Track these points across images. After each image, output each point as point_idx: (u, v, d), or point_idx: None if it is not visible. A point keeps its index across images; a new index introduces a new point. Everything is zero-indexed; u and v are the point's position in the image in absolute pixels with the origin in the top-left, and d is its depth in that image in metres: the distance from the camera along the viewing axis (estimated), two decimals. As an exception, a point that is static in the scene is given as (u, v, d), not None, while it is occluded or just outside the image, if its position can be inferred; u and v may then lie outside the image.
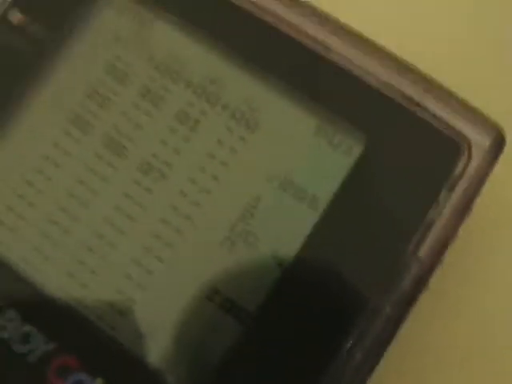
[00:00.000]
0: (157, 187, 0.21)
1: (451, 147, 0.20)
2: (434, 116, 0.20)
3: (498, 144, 0.20)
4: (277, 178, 0.21)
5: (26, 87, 0.21)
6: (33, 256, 0.21)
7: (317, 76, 0.21)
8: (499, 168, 0.21)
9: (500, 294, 0.23)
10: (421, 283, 0.20)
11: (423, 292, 0.20)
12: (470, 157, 0.20)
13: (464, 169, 0.20)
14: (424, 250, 0.20)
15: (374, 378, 0.20)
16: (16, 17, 0.22)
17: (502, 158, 0.21)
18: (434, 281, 0.21)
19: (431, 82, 0.21)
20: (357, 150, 0.20)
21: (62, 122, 0.21)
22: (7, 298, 0.20)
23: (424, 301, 0.21)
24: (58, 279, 0.20)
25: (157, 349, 0.20)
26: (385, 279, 0.20)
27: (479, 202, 0.21)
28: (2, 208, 0.21)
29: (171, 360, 0.20)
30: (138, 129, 0.21)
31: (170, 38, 0.22)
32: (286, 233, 0.20)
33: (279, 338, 0.20)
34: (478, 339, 0.22)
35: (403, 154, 0.20)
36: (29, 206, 0.21)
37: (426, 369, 0.22)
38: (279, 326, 0.20)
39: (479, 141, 0.20)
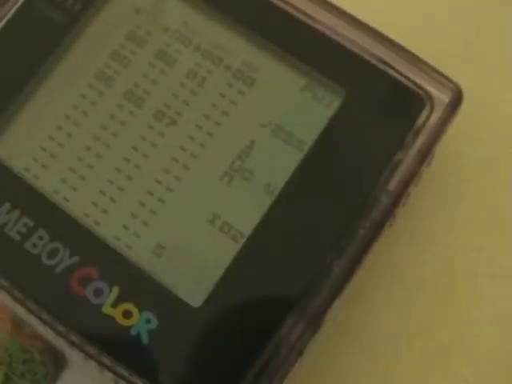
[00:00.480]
0: (168, 131, 0.25)
1: (416, 101, 0.24)
2: (403, 75, 0.25)
3: (456, 99, 0.24)
4: (269, 125, 0.25)
5: (57, 49, 0.26)
6: (62, 185, 0.24)
7: (305, 42, 0.25)
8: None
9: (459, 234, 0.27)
10: (390, 210, 0.24)
11: (391, 218, 0.24)
12: (432, 109, 0.24)
13: (427, 119, 0.24)
14: (392, 184, 0.24)
15: (347, 291, 0.23)
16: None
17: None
18: (401, 215, 0.25)
19: (401, 48, 0.25)
20: (336, 102, 0.25)
21: (89, 77, 0.25)
22: (37, 219, 0.24)
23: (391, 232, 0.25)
24: (82, 205, 0.24)
25: (165, 264, 0.24)
26: (360, 206, 0.23)
27: (440, 154, 0.26)
28: (36, 143, 0.25)
29: (177, 274, 0.24)
30: (153, 84, 0.25)
31: (181, 11, 0.26)
32: (276, 169, 0.24)
33: (269, 256, 0.23)
34: (441, 268, 0.26)
35: (376, 106, 0.24)
36: (58, 145, 0.25)
37: (392, 286, 0.26)
38: (269, 245, 0.23)
39: (440, 96, 0.24)
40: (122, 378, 0.23)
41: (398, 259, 0.27)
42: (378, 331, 0.26)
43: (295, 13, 0.25)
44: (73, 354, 0.24)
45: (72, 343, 0.23)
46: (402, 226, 0.27)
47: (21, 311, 0.24)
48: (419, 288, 0.26)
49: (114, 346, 0.23)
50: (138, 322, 0.23)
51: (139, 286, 0.23)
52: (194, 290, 0.23)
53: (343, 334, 0.26)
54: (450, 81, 0.25)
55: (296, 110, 0.25)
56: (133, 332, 0.23)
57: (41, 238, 0.24)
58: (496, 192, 0.27)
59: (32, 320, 0.24)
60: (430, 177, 0.27)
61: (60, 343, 0.24)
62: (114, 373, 0.23)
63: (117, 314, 0.23)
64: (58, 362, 0.24)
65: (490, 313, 0.26)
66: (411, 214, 0.27)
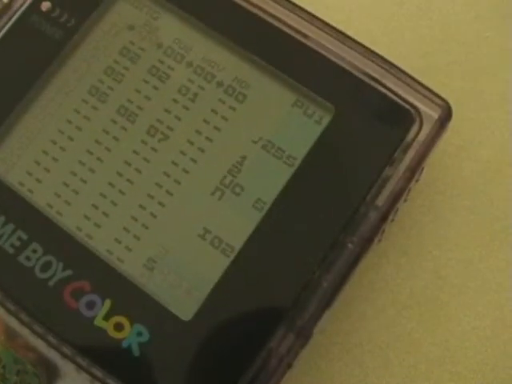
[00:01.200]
0: (161, 146, 0.26)
1: (405, 117, 0.25)
2: (392, 91, 0.25)
3: (445, 116, 0.25)
4: (260, 140, 0.25)
5: (52, 64, 0.26)
6: (56, 199, 0.25)
7: (295, 58, 0.26)
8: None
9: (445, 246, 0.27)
10: (378, 226, 0.24)
11: (379, 233, 0.24)
12: (421, 125, 0.25)
13: (416, 135, 0.25)
14: (381, 200, 0.24)
15: (336, 304, 0.24)
16: (45, 4, 0.27)
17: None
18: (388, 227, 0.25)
19: (391, 65, 0.25)
20: (326, 119, 0.25)
21: (82, 93, 0.26)
22: (31, 232, 0.25)
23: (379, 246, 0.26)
24: (75, 219, 0.25)
25: (157, 278, 0.24)
26: (348, 221, 0.24)
27: (429, 169, 0.26)
28: (30, 157, 0.26)
29: (169, 287, 0.24)
30: (146, 99, 0.26)
31: (174, 28, 0.27)
32: (266, 184, 0.25)
33: (259, 270, 0.24)
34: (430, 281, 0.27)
35: (365, 122, 0.25)
36: (52, 159, 0.26)
37: (382, 299, 0.27)
38: (259, 259, 0.24)
39: (429, 113, 0.25)
40: (114, 389, 0.24)
41: (388, 273, 0.27)
42: (367, 344, 0.27)
43: (286, 29, 0.26)
44: (65, 366, 0.24)
45: (64, 355, 0.24)
46: (391, 239, 0.27)
47: (14, 323, 0.25)
48: (408, 301, 0.27)
49: (105, 358, 0.24)
50: (130, 334, 0.24)
51: (131, 299, 0.24)
52: (184, 304, 0.24)
53: (332, 347, 0.27)
54: (439, 97, 0.25)
55: (286, 125, 0.25)
56: (124, 344, 0.24)
57: (34, 251, 0.25)
58: (484, 206, 0.27)
59: (25, 331, 0.25)
60: (420, 191, 0.27)
61: (52, 355, 0.24)
62: (106, 384, 0.24)
63: (109, 326, 0.24)
64: (51, 374, 0.25)
65: (478, 326, 0.27)
66: (401, 228, 0.28)
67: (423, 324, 0.27)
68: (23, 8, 0.27)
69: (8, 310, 0.24)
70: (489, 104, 0.28)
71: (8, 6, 0.27)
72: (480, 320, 0.27)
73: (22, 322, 0.24)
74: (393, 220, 0.25)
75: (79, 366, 0.24)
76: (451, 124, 0.25)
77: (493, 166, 0.28)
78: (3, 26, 0.27)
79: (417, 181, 0.25)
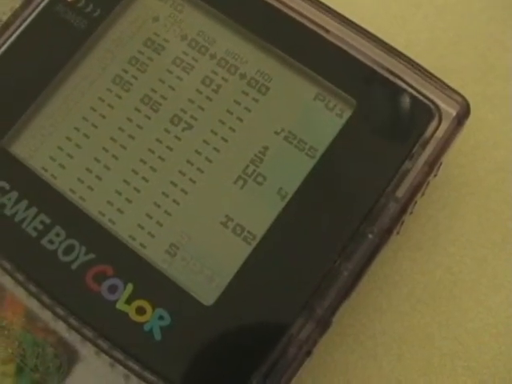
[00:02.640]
0: (184, 135, 0.27)
1: (425, 113, 0.26)
2: (413, 87, 0.27)
3: (463, 113, 0.27)
4: (282, 131, 0.27)
5: (76, 53, 0.28)
6: (79, 185, 0.26)
7: (318, 53, 0.27)
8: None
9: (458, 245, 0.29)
10: (398, 217, 0.26)
11: (398, 225, 0.26)
12: (439, 121, 0.26)
13: (434, 131, 0.26)
14: (400, 192, 0.26)
15: (355, 294, 0.25)
16: (71, -5, 0.28)
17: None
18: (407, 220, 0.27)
19: (412, 62, 0.27)
20: (347, 112, 0.27)
21: (107, 81, 0.27)
22: (54, 216, 0.26)
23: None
24: (98, 204, 0.26)
25: (179, 263, 0.25)
26: (369, 211, 0.25)
27: (447, 167, 0.28)
28: (54, 143, 0.27)
29: (191, 273, 0.25)
30: (170, 89, 0.27)
31: (198, 20, 0.28)
32: (288, 174, 0.26)
33: (280, 258, 0.25)
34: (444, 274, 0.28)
35: (386, 117, 0.26)
36: (76, 146, 0.27)
37: (397, 293, 0.28)
38: (280, 247, 0.25)
39: (448, 109, 0.27)
40: (134, 372, 0.25)
41: (403, 267, 0.29)
42: (381, 336, 0.28)
43: (310, 25, 0.27)
44: (85, 349, 0.25)
45: (85, 337, 0.25)
46: (407, 235, 0.29)
47: (34, 306, 0.26)
48: (423, 296, 0.28)
49: (126, 341, 0.25)
50: (152, 318, 0.25)
51: (153, 283, 0.25)
52: (206, 289, 0.25)
53: (347, 338, 0.28)
54: (458, 94, 0.27)
55: (308, 118, 0.27)
56: (146, 328, 0.25)
57: (57, 234, 0.26)
58: (498, 205, 0.29)
59: (45, 314, 0.26)
60: (436, 189, 0.29)
61: (72, 338, 0.25)
62: (126, 367, 0.25)
63: (130, 310, 0.25)
64: (70, 357, 0.26)
65: (490, 322, 0.28)
66: (417, 224, 0.29)
67: (437, 318, 0.28)
68: (48, -2, 0.28)
69: (30, 292, 0.25)
70: (503, 106, 0.30)
71: (33, -4, 0.29)
72: (493, 316, 0.28)
73: (44, 305, 0.25)
74: (411, 213, 0.27)
75: (100, 349, 0.25)
76: (468, 122, 0.27)
77: (506, 166, 0.29)
78: (29, 15, 0.28)
79: (435, 175, 0.27)
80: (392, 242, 0.26)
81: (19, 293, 0.26)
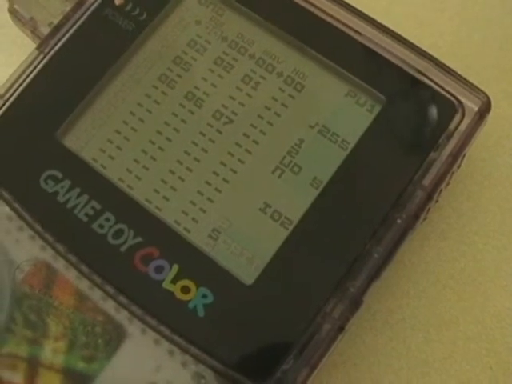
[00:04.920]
0: (225, 129, 0.30)
1: (449, 108, 0.30)
2: (438, 85, 0.30)
3: (485, 108, 0.30)
4: (316, 125, 0.30)
5: (124, 53, 0.31)
6: (127, 175, 0.30)
7: (349, 53, 0.31)
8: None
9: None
10: (424, 204, 0.29)
11: (425, 211, 0.29)
12: (463, 116, 0.30)
13: (458, 125, 0.30)
14: (427, 180, 0.29)
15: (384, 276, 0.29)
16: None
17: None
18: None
19: (436, 61, 0.30)
20: (377, 108, 0.30)
21: (153, 79, 0.31)
22: (104, 203, 0.29)
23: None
24: (145, 192, 0.29)
25: (221, 246, 0.29)
26: (398, 198, 0.29)
27: (471, 161, 0.31)
28: (104, 136, 0.30)
29: (232, 255, 0.29)
30: (212, 87, 0.31)
31: (237, 23, 0.32)
32: (322, 165, 0.29)
33: (314, 242, 0.29)
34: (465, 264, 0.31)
35: (412, 111, 0.30)
36: (124, 139, 0.30)
37: (424, 279, 0.31)
38: (315, 232, 0.29)
39: (470, 104, 0.30)
40: (179, 346, 0.28)
41: (430, 255, 0.32)
42: (409, 320, 0.31)
43: (343, 28, 0.31)
44: (131, 327, 0.28)
45: (133, 315, 0.28)
46: (434, 225, 0.32)
47: (84, 286, 0.29)
48: (449, 282, 0.31)
49: (172, 317, 0.28)
50: (195, 296, 0.28)
51: (197, 264, 0.28)
52: (246, 270, 0.28)
53: (376, 322, 0.31)
54: (480, 91, 0.30)
55: (341, 113, 0.30)
56: (190, 306, 0.28)
57: (107, 219, 0.29)
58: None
59: (95, 294, 0.29)
60: (460, 181, 0.32)
61: (120, 317, 0.29)
62: (171, 342, 0.28)
63: (176, 289, 0.28)
64: (118, 334, 0.29)
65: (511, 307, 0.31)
66: (442, 215, 0.32)
67: (461, 303, 0.31)
68: (98, 2, 0.32)
69: (81, 273, 0.29)
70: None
71: (82, 2, 0.32)
72: (514, 301, 0.31)
73: (95, 284, 0.29)
74: (437, 201, 0.30)
75: (147, 326, 0.28)
76: (489, 120, 0.30)
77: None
78: (79, 18, 0.32)
79: (459, 167, 0.30)
80: (418, 229, 0.29)
81: (70, 274, 0.29)
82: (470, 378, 0.31)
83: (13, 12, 0.34)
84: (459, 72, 0.30)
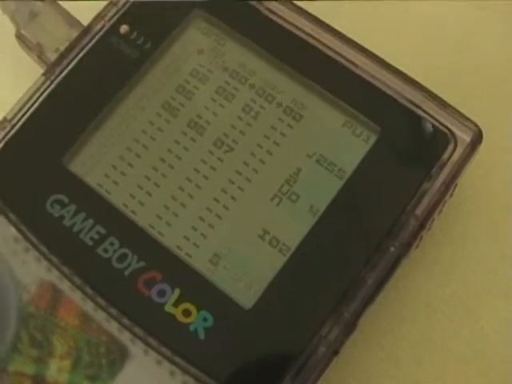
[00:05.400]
0: (226, 157, 0.32)
1: (442, 139, 0.31)
2: (432, 116, 0.31)
3: (477, 139, 0.31)
4: (314, 155, 0.31)
5: (129, 81, 0.33)
6: (131, 200, 0.31)
7: (346, 85, 0.32)
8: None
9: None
10: (417, 232, 0.30)
11: (417, 239, 0.30)
12: (455, 147, 0.31)
13: (450, 155, 0.31)
14: (420, 209, 0.30)
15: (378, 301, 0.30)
16: (123, 28, 0.33)
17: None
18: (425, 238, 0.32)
19: (430, 92, 0.32)
20: (372, 138, 0.31)
21: (156, 107, 0.32)
22: (109, 227, 0.31)
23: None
24: (148, 218, 0.31)
25: (221, 271, 0.30)
26: (391, 227, 0.30)
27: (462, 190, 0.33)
28: (108, 162, 0.32)
29: (232, 279, 0.30)
30: (213, 115, 0.32)
31: (239, 53, 0.33)
32: (319, 193, 0.31)
33: (311, 267, 0.30)
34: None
35: (407, 142, 0.31)
36: (128, 165, 0.32)
37: (416, 302, 0.33)
38: (312, 258, 0.30)
39: (462, 136, 0.31)
40: (180, 367, 0.29)
41: (422, 280, 0.33)
42: (400, 342, 0.33)
43: (341, 60, 0.32)
44: (134, 348, 0.30)
45: (136, 336, 0.30)
46: (426, 250, 0.33)
47: (89, 308, 0.30)
48: (440, 306, 0.33)
49: (173, 339, 0.29)
50: (196, 319, 0.29)
51: (198, 288, 0.30)
52: (245, 294, 0.30)
53: (369, 343, 0.33)
54: (472, 122, 0.31)
55: (337, 143, 0.32)
56: (191, 328, 0.29)
57: (112, 244, 0.30)
58: (509, 223, 0.34)
59: (99, 316, 0.30)
60: (452, 208, 0.34)
61: (124, 337, 0.30)
62: (172, 363, 0.29)
63: (177, 312, 0.29)
64: (121, 354, 0.30)
65: (500, 330, 0.33)
66: (434, 241, 0.34)
67: (452, 326, 0.33)
68: (104, 30, 0.33)
69: (86, 295, 0.30)
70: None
71: (88, 29, 0.34)
72: (502, 325, 0.33)
73: (99, 306, 0.30)
74: (429, 229, 0.31)
75: (150, 347, 0.29)
76: (481, 148, 0.32)
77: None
78: (85, 45, 0.33)
79: (451, 196, 0.32)
80: (411, 256, 0.31)
81: (75, 296, 0.30)
82: (459, 398, 0.32)
83: (20, 37, 0.35)
84: (452, 101, 0.32)
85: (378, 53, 0.32)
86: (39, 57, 0.35)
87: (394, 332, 0.33)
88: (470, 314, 0.33)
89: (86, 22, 0.34)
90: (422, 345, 0.33)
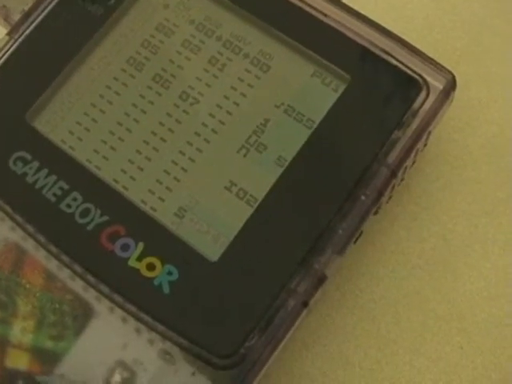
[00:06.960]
0: (192, 110, 0.32)
1: (414, 86, 0.31)
2: (403, 63, 0.31)
3: (450, 87, 0.31)
4: (282, 105, 0.31)
5: (93, 37, 0.33)
6: (95, 155, 0.31)
7: (316, 34, 0.32)
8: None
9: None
10: (388, 181, 0.30)
11: (389, 189, 0.30)
12: (427, 94, 0.31)
13: (422, 103, 0.31)
14: (391, 158, 0.30)
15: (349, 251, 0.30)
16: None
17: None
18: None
19: (401, 40, 0.32)
20: (342, 87, 0.31)
21: (121, 63, 0.33)
22: (72, 183, 0.31)
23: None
24: (112, 172, 0.31)
25: (187, 224, 0.30)
26: (362, 176, 0.30)
27: (439, 143, 0.32)
28: (72, 118, 0.32)
29: (197, 232, 0.30)
30: (179, 68, 0.32)
31: (205, 6, 0.33)
32: (287, 143, 0.31)
33: (279, 218, 0.30)
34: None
35: (377, 90, 0.31)
36: (92, 120, 0.32)
37: (394, 259, 0.33)
38: (279, 208, 0.30)
39: (435, 83, 0.31)
40: (145, 324, 0.29)
41: (399, 236, 0.33)
42: (379, 300, 0.32)
43: (308, 9, 0.32)
44: (99, 306, 0.30)
45: (101, 293, 0.30)
46: (403, 205, 0.33)
47: (53, 266, 0.30)
48: (418, 262, 0.33)
49: (138, 295, 0.29)
50: (161, 273, 0.29)
51: (162, 242, 0.30)
52: (211, 247, 0.30)
53: (346, 302, 0.32)
54: (445, 70, 0.31)
55: (306, 93, 0.32)
56: (155, 282, 0.29)
57: (75, 199, 0.30)
58: (488, 176, 0.33)
59: (63, 274, 0.30)
60: (430, 162, 0.34)
61: (88, 295, 0.30)
62: (138, 319, 0.29)
63: (141, 266, 0.29)
64: (86, 313, 0.30)
65: (482, 286, 0.32)
66: (411, 196, 0.33)
67: (431, 283, 0.32)
68: (68, -12, 0.34)
69: (50, 253, 0.30)
70: (493, 85, 0.35)
71: (53, -12, 0.34)
72: (484, 281, 0.32)
73: (63, 263, 0.30)
74: (403, 179, 0.31)
75: (114, 304, 0.29)
76: (459, 103, 0.32)
77: (496, 140, 0.34)
78: (49, 4, 0.33)
79: (425, 145, 0.31)
80: (388, 210, 0.31)
81: (39, 255, 0.30)
82: (440, 357, 0.32)
83: (-15, 1, 0.35)
84: (430, 55, 0.32)
85: (352, 5, 0.32)
86: (5, 19, 0.35)
87: (372, 290, 0.33)
88: (450, 270, 0.33)
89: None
90: (401, 303, 0.32)
